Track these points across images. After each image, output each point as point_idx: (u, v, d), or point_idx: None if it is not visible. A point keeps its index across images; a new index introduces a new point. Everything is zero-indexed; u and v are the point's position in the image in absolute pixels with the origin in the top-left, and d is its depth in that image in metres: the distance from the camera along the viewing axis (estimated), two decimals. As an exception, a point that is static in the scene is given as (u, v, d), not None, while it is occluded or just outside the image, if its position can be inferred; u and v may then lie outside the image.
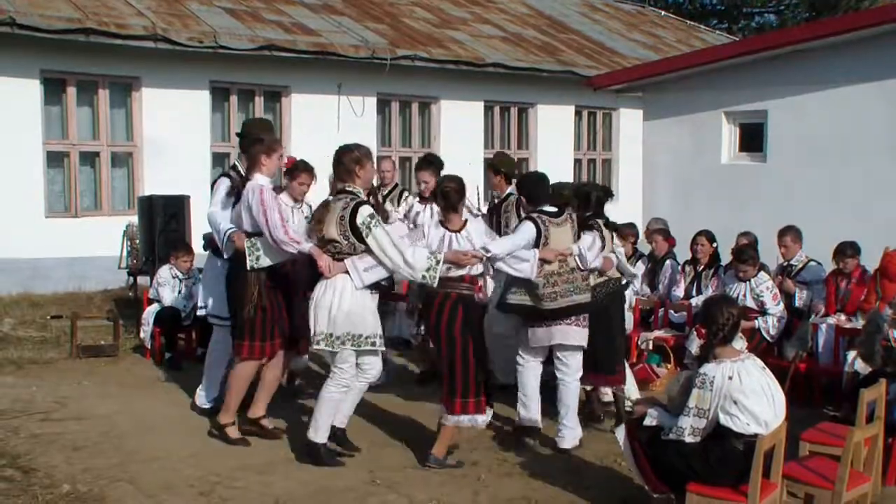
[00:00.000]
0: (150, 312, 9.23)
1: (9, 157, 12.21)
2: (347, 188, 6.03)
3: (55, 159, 13.03)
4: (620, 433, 5.17)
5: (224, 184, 6.69)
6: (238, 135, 7.10)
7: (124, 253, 11.61)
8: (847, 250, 8.26)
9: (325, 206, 6.04)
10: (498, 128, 17.37)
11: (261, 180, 6.30)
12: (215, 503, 5.46)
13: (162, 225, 10.31)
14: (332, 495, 5.58)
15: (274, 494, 5.57)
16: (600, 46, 19.31)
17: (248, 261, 6.22)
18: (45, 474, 5.82)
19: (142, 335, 9.33)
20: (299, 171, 7.32)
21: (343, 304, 5.85)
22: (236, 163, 7.02)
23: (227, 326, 6.82)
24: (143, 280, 10.80)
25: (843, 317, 8.05)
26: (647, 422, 5.06)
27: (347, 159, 6.05)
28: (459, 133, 16.27)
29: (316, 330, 5.91)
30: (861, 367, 7.18)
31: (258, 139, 6.57)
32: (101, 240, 12.18)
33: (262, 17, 14.85)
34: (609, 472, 6.06)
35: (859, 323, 7.76)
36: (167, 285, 9.26)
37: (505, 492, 5.68)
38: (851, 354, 7.44)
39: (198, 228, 10.61)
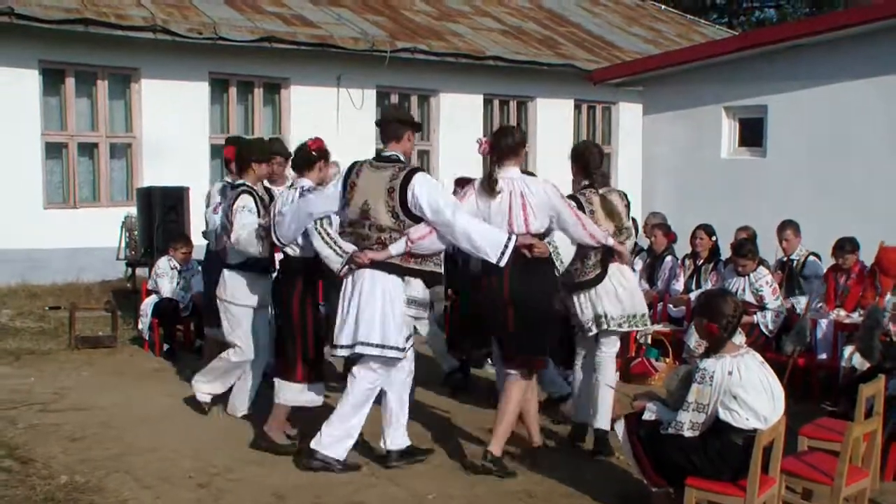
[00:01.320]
0: (148, 304, 9.24)
1: (7, 148, 12.18)
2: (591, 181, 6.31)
3: (54, 150, 13.00)
4: (619, 427, 5.17)
5: (432, 179, 5.81)
6: (378, 123, 6.08)
7: (123, 244, 11.60)
8: (846, 246, 8.25)
9: (606, 200, 6.22)
10: (497, 121, 17.32)
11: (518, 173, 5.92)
12: (213, 494, 5.45)
13: (160, 216, 10.31)
14: (331, 487, 5.57)
15: (272, 486, 5.57)
16: (600, 40, 19.27)
17: (556, 265, 5.87)
18: (43, 465, 5.82)
19: (140, 326, 9.35)
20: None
21: (631, 287, 6.28)
22: (398, 154, 5.84)
23: (389, 359, 5.74)
24: (141, 271, 10.79)
25: (842, 313, 8.04)
26: (646, 416, 5.05)
27: (592, 154, 6.31)
28: (459, 126, 16.24)
29: (610, 313, 6.15)
30: (858, 362, 7.17)
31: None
32: (100, 231, 12.15)
33: (261, 9, 14.82)
34: (608, 466, 6.06)
35: (858, 318, 7.76)
36: (165, 276, 9.27)
37: (503, 485, 5.67)
38: (848, 349, 7.44)
39: (197, 221, 10.62)
